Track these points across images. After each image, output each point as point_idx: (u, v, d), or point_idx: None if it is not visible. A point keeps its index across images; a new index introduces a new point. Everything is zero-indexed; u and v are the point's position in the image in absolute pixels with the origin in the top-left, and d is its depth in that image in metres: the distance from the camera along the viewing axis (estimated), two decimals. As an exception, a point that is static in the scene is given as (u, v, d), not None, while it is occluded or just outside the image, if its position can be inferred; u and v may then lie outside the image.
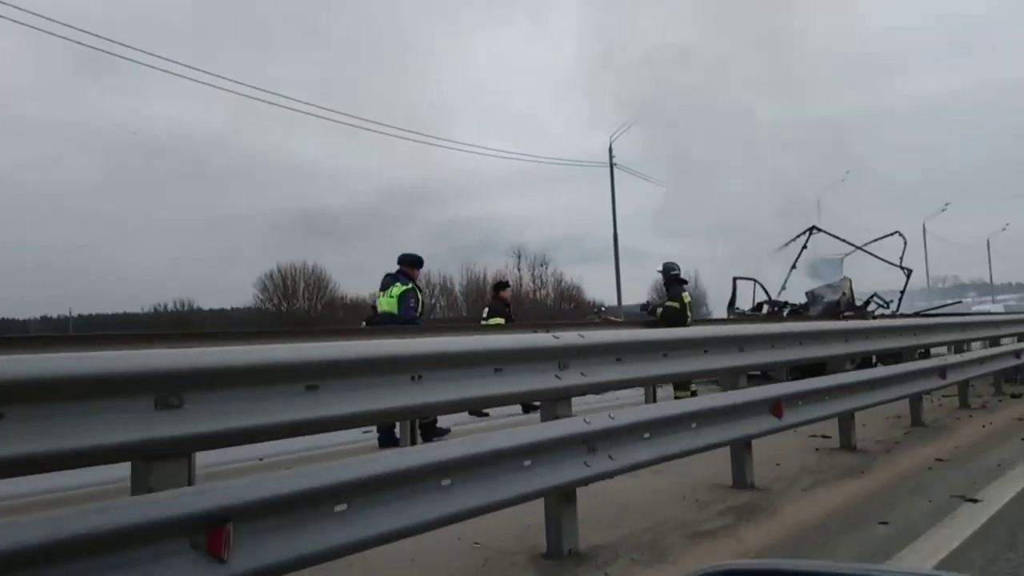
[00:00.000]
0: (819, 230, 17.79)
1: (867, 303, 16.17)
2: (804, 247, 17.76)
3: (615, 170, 40.48)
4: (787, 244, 18.57)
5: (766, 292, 15.99)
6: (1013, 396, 10.82)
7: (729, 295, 16.03)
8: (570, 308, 52.80)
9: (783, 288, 17.28)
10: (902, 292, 17.46)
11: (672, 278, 10.05)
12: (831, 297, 15.32)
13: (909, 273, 17.70)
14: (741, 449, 5.33)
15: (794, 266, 17.53)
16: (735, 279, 16.09)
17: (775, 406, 5.23)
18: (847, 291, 15.47)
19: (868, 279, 22.21)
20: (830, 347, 6.57)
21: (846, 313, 15.21)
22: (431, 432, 7.97)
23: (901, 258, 18.26)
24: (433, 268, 53.47)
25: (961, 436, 7.62)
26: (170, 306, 48.83)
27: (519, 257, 58.11)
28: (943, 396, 10.70)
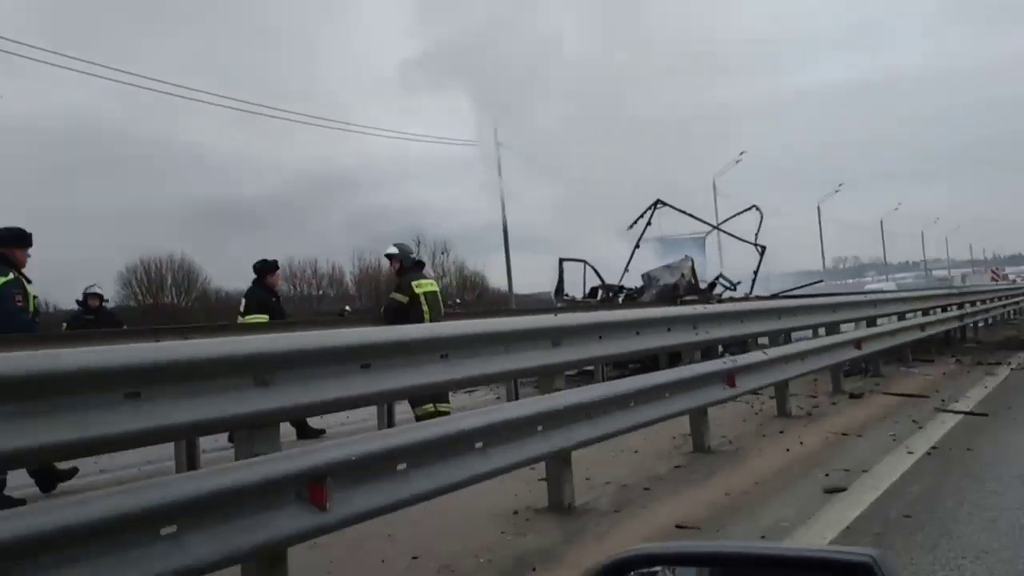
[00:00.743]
0: (664, 204, 15.79)
1: (712, 285, 14.22)
2: (648, 223, 15.74)
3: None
4: (635, 221, 16.56)
5: (598, 275, 13.80)
6: (852, 396, 8.86)
7: (556, 280, 13.80)
8: (473, 298, 50.65)
9: (626, 270, 15.22)
10: (755, 272, 15.66)
11: (412, 263, 7.59)
12: (668, 279, 13.26)
13: (763, 251, 15.94)
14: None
15: (638, 245, 15.47)
16: (561, 261, 13.86)
17: (313, 490, 2.77)
18: (687, 272, 13.44)
19: (741, 259, 20.63)
20: (514, 358, 4.20)
21: (687, 297, 13.20)
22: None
23: (756, 234, 16.52)
24: (321, 257, 50.13)
25: (746, 471, 5.42)
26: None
27: (418, 244, 55.27)
28: (770, 397, 8.66)
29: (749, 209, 17.90)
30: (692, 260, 13.64)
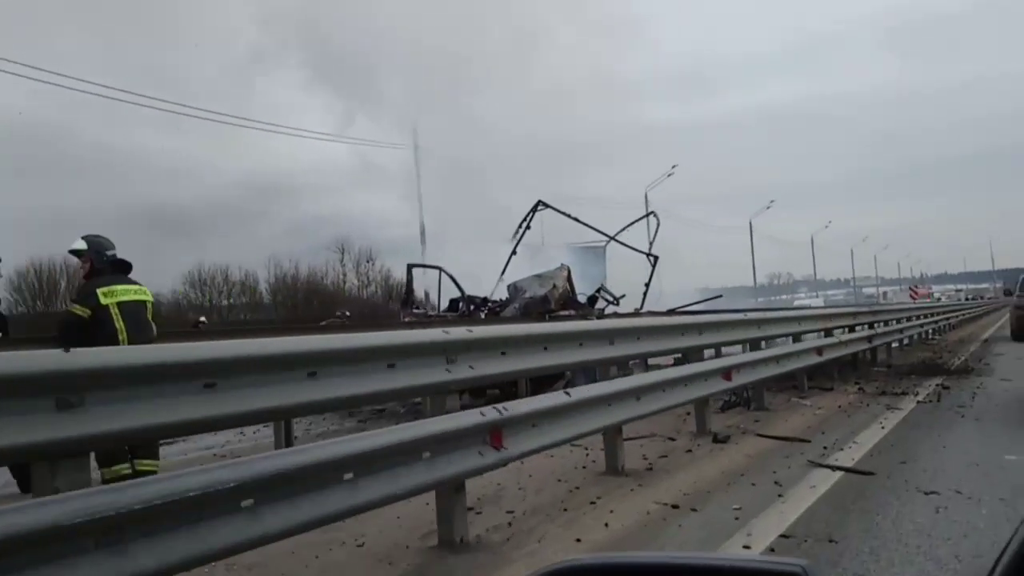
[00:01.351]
0: (546, 205, 14.01)
1: (593, 299, 12.44)
2: (527, 226, 13.93)
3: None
4: (520, 226, 14.74)
5: (457, 286, 11.85)
6: (717, 440, 7.09)
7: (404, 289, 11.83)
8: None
9: (500, 279, 13.36)
10: (647, 284, 14.00)
11: (109, 263, 5.52)
12: (536, 291, 11.39)
13: (655, 261, 14.32)
14: None
15: (514, 251, 13.63)
16: (410, 267, 11.89)
17: None
18: (560, 283, 11.61)
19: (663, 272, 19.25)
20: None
21: (563, 312, 11.40)
22: None
23: (651, 243, 14.91)
24: (233, 262, 47.14)
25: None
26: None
27: (343, 252, 52.74)
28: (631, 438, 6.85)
29: (648, 215, 16.34)
30: (568, 269, 11.82)
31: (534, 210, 13.93)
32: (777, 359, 9.01)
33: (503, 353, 4.51)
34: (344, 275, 52.87)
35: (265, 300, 49.93)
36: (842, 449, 6.67)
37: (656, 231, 15.05)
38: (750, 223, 73.17)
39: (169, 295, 45.07)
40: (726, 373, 7.34)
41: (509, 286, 12.04)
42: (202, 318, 19.47)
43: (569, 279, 11.72)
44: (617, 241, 15.69)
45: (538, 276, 11.79)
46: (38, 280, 42.55)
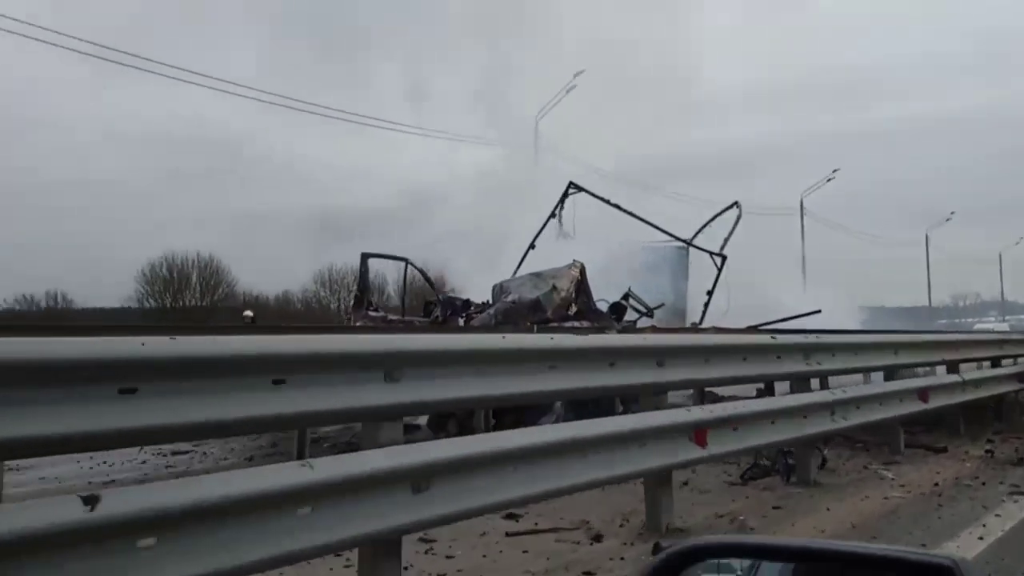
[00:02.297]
0: (579, 188, 11.22)
1: (619, 307, 9.56)
2: (553, 214, 11.21)
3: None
4: (554, 212, 12.03)
5: (431, 284, 9.36)
6: (660, 550, 4.23)
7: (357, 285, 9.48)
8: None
9: (515, 275, 10.76)
10: (710, 292, 10.95)
11: None
12: (524, 294, 8.69)
13: (723, 261, 11.21)
14: None
15: (532, 245, 10.94)
16: (364, 258, 9.50)
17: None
18: (565, 285, 8.83)
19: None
20: None
21: (568, 323, 8.71)
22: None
23: (726, 240, 11.79)
24: (374, 266, 47.60)
25: None
26: (42, 301, 43.01)
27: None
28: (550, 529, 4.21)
29: (730, 207, 13.14)
30: (582, 267, 9.03)
31: (565, 194, 11.24)
32: (832, 408, 5.91)
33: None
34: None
35: (392, 301, 49.54)
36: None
37: (734, 226, 11.89)
38: (926, 236, 64.88)
39: (300, 293, 45.78)
40: (698, 433, 4.43)
41: (495, 286, 9.42)
42: (248, 312, 18.73)
43: (582, 280, 8.95)
44: (691, 244, 12.62)
45: (536, 275, 9.07)
46: (169, 273, 43.90)
